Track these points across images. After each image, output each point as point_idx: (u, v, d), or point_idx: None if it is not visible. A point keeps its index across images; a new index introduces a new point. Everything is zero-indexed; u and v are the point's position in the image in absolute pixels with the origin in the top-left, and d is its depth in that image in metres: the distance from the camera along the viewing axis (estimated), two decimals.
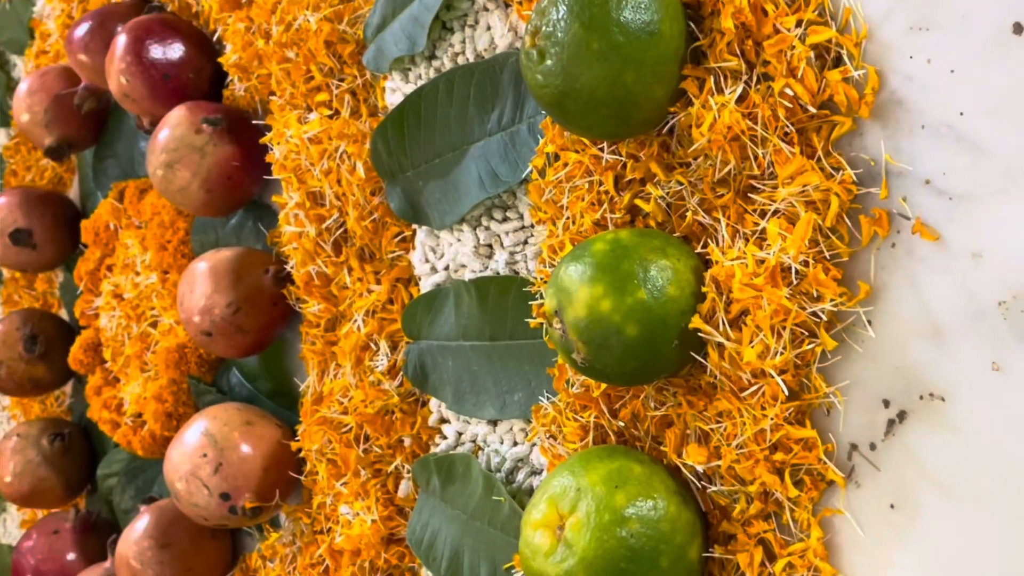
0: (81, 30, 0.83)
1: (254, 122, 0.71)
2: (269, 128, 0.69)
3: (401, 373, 0.60)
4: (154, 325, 0.81)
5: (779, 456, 0.41)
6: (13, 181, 1.13)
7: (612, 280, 0.42)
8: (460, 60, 0.57)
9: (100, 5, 0.90)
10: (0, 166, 1.18)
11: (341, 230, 0.64)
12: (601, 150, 0.48)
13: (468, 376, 0.55)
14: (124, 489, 0.88)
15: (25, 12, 1.09)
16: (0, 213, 0.96)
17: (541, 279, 0.51)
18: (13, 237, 0.95)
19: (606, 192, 0.48)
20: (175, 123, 0.70)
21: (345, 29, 0.63)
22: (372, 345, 0.61)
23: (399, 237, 0.61)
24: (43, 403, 1.08)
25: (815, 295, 0.40)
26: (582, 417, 0.48)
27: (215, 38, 0.75)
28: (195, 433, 0.66)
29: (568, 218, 0.49)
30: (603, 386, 0.48)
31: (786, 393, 0.41)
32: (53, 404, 1.06)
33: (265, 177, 0.70)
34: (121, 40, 0.75)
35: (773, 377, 0.41)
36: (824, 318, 0.41)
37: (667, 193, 0.46)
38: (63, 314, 1.04)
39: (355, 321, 0.62)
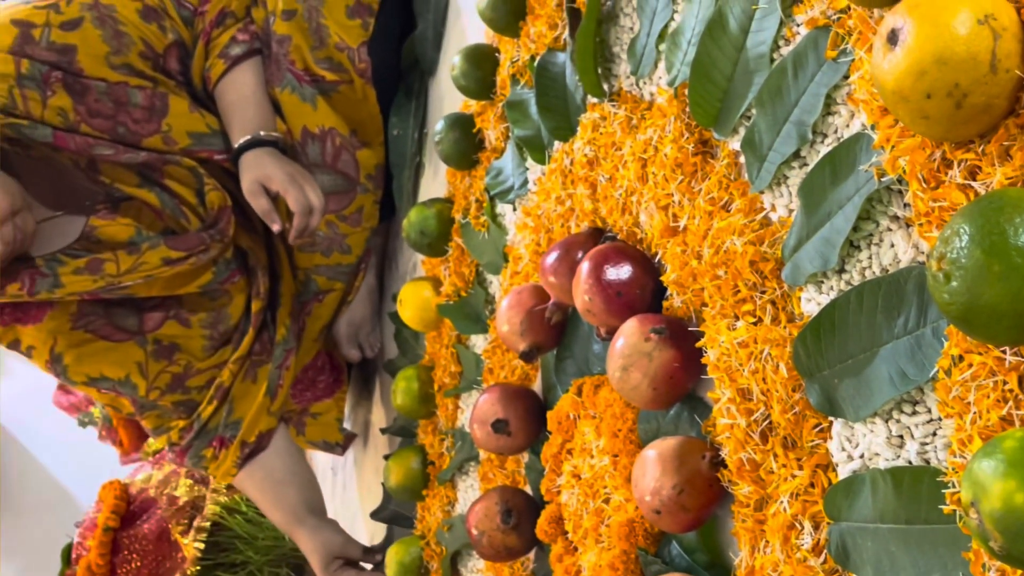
0: (551, 258, 1.03)
1: (690, 329, 0.84)
2: (703, 334, 0.81)
3: (825, 551, 0.67)
4: (607, 501, 0.94)
5: None
6: (490, 379, 1.36)
7: None
8: (867, 274, 0.66)
9: (563, 236, 1.10)
10: (479, 365, 1.42)
11: (767, 422, 0.73)
12: (1003, 351, 0.53)
13: (887, 557, 0.61)
14: None
15: (500, 240, 1.34)
16: (485, 406, 1.17)
17: (952, 469, 0.56)
18: (494, 426, 1.15)
19: (1010, 390, 0.53)
20: (628, 333, 0.84)
21: (765, 250, 0.75)
22: (797, 525, 0.69)
23: (818, 428, 0.69)
24: (511, 567, 1.25)
25: None
26: None
27: (656, 260, 0.90)
28: None
29: (975, 413, 0.55)
30: (1020, 572, 0.51)
31: None
32: (519, 568, 1.23)
33: (701, 376, 0.82)
34: (585, 266, 0.92)
35: None
36: None
37: None
38: (528, 490, 1.22)
39: (781, 502, 0.70)
